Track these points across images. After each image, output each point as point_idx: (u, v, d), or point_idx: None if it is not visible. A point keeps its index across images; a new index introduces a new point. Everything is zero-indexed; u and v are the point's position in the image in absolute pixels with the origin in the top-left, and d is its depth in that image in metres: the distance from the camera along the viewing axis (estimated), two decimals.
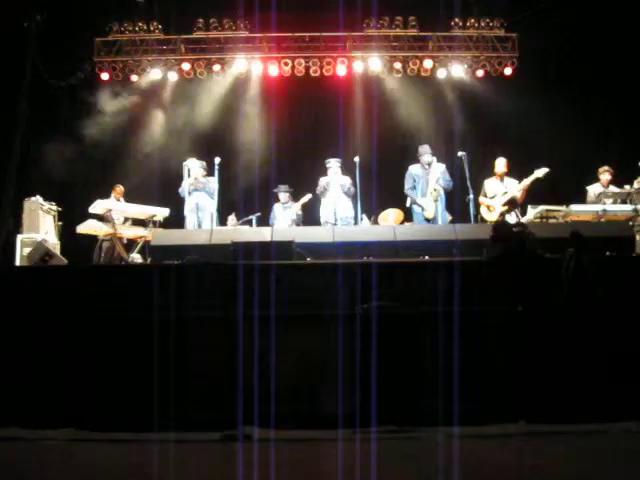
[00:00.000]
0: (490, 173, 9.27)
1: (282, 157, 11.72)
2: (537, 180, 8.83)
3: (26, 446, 4.58)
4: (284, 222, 9.73)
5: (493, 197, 9.06)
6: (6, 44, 10.48)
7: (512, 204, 8.95)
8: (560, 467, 3.91)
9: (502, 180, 9.11)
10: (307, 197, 9.75)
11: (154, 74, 12.47)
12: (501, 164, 9.16)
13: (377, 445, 4.51)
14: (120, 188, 10.09)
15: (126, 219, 9.55)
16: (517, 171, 9.23)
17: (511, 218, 8.82)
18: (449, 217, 9.34)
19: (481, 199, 9.15)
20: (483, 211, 9.17)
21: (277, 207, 10.01)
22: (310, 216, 10.00)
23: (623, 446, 4.37)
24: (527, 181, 8.87)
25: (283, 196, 9.92)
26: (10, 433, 4.74)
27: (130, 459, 4.27)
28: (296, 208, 9.79)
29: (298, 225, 9.64)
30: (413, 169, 9.32)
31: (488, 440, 4.54)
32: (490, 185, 9.13)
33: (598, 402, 4.87)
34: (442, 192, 9.16)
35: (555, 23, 11.33)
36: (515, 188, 8.97)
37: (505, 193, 9.00)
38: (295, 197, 10.05)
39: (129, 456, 4.35)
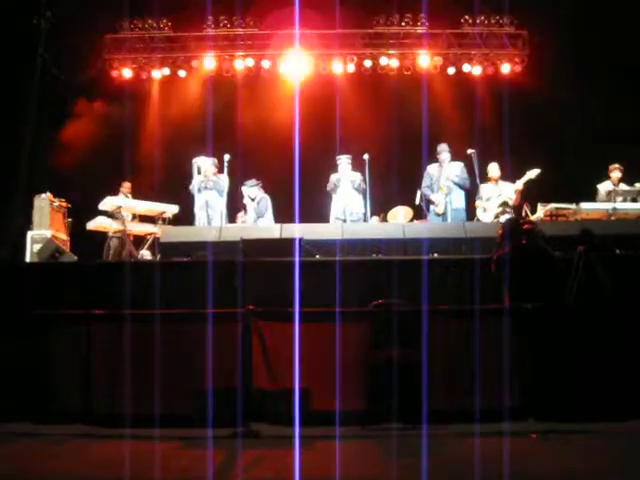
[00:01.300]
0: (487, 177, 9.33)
1: (292, 154, 11.71)
2: (530, 181, 8.86)
3: (38, 441, 4.61)
4: (251, 216, 9.57)
5: (488, 199, 9.14)
6: (16, 41, 10.52)
7: (505, 206, 9.02)
8: (569, 465, 3.90)
9: (497, 184, 9.23)
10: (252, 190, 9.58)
11: (164, 71, 12.50)
12: (494, 169, 9.30)
13: (384, 442, 4.52)
14: (127, 184, 10.08)
15: (135, 216, 9.56)
16: (524, 168, 9.18)
17: (504, 218, 8.83)
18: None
19: (477, 202, 9.27)
20: (479, 212, 9.29)
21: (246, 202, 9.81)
22: (320, 213, 9.98)
23: (636, 445, 4.35)
24: (520, 183, 8.92)
25: (250, 191, 9.67)
26: (22, 429, 4.77)
27: (138, 455, 4.27)
28: (253, 204, 9.59)
29: (260, 217, 9.47)
30: (430, 168, 9.45)
31: (497, 438, 4.52)
32: (485, 189, 9.27)
33: (609, 401, 4.84)
34: (455, 188, 9.14)
35: (566, 20, 11.27)
36: (509, 191, 9.07)
37: (500, 195, 9.09)
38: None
39: (136, 452, 4.36)
